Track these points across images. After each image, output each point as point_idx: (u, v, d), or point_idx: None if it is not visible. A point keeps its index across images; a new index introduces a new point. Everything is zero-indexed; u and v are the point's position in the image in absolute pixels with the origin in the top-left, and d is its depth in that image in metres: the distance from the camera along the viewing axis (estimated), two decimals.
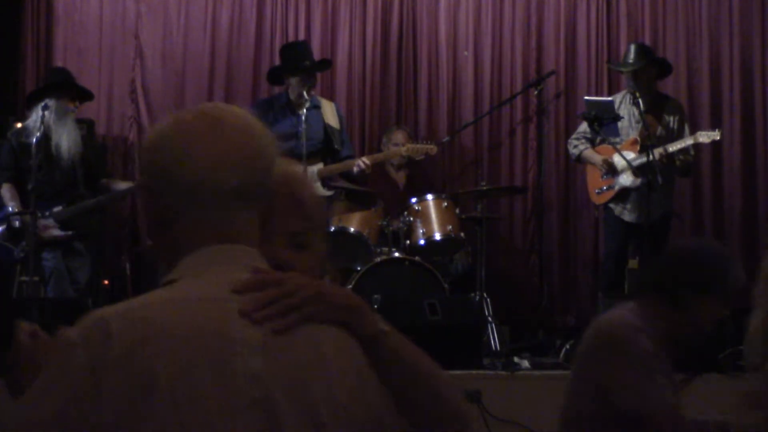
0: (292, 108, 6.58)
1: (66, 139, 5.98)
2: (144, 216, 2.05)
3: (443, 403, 1.57)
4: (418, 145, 6.87)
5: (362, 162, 6.63)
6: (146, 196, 1.57)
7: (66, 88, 6.15)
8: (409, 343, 1.57)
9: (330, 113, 6.62)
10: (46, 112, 5.93)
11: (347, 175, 6.74)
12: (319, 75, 7.44)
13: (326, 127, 6.59)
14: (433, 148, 6.83)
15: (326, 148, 6.75)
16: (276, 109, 6.63)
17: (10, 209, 5.94)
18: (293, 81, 6.57)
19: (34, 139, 5.81)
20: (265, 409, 1.42)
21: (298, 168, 1.84)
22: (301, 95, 6.48)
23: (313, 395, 1.45)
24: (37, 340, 1.74)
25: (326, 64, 7.08)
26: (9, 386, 1.70)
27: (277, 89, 7.16)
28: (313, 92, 6.59)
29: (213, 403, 1.41)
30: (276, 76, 6.84)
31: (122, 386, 1.39)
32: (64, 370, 1.41)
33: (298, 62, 6.56)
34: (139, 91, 7.60)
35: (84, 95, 6.42)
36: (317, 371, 1.46)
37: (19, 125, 6.18)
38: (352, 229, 6.30)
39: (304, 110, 6.42)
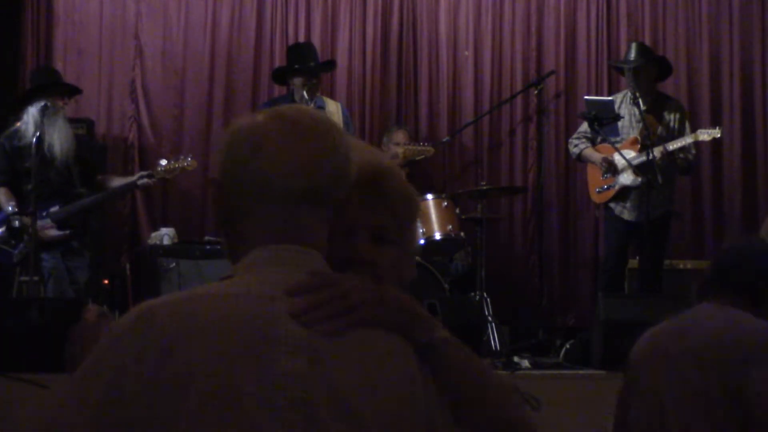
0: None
1: (57, 139, 5.97)
2: (213, 212, 2.04)
3: (503, 416, 1.53)
4: (416, 147, 6.87)
5: None
6: (216, 193, 1.58)
7: (52, 88, 6.12)
8: (470, 353, 1.53)
9: (335, 113, 6.62)
10: (36, 114, 5.93)
11: None
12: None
13: None
14: (430, 150, 6.82)
15: None
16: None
17: (10, 209, 5.93)
18: (297, 82, 6.57)
19: (32, 141, 5.80)
20: (304, 410, 1.41)
21: (385, 159, 1.79)
22: (303, 97, 6.48)
23: (357, 400, 1.42)
24: (103, 320, 1.76)
25: (331, 65, 7.08)
26: (68, 362, 1.73)
27: (278, 90, 7.16)
28: (318, 93, 6.59)
29: (251, 401, 1.40)
30: (280, 76, 6.84)
31: (162, 378, 1.39)
32: (110, 356, 1.43)
33: (303, 63, 6.56)
34: (139, 91, 7.60)
35: (72, 91, 6.41)
36: (364, 377, 1.44)
37: (11, 128, 6.16)
38: None
39: None
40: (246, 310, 1.44)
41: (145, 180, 6.11)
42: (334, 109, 6.68)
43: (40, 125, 5.88)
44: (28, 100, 6.06)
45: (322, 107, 6.56)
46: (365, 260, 1.66)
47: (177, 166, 6.16)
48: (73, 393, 1.44)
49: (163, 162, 6.21)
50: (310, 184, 1.51)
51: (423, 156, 6.86)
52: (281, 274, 1.48)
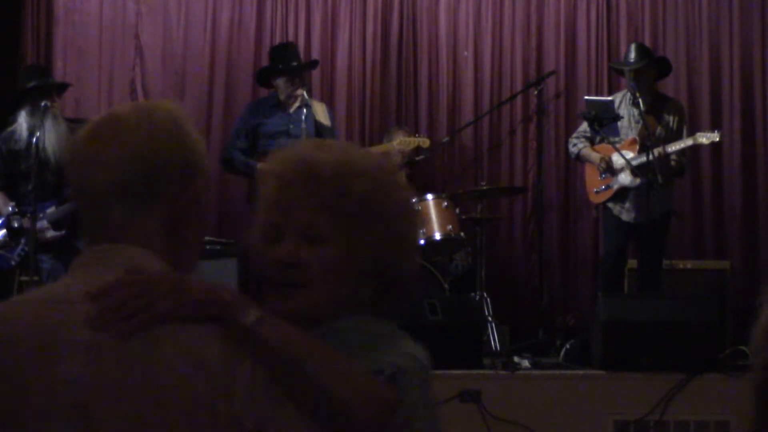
0: (283, 107, 6.58)
1: (50, 139, 5.94)
2: None
3: (321, 390, 1.44)
4: (410, 138, 6.86)
5: None
6: None
7: (42, 87, 6.08)
8: (292, 334, 1.46)
9: (321, 113, 6.61)
10: (28, 116, 5.92)
11: None
12: (318, 75, 7.45)
13: (317, 124, 6.56)
14: (425, 141, 6.82)
15: None
16: (266, 109, 6.62)
17: (10, 209, 5.93)
18: (281, 82, 6.56)
19: (28, 143, 5.80)
20: (82, 415, 1.40)
21: (325, 154, 1.68)
22: (290, 96, 6.47)
23: (139, 402, 1.39)
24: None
25: (313, 64, 7.07)
26: None
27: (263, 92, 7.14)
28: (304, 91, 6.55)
29: (29, 408, 1.40)
30: (264, 77, 6.81)
31: None
32: None
33: (286, 63, 6.55)
34: (139, 91, 7.60)
35: (61, 88, 6.40)
36: (148, 376, 1.39)
37: (7, 130, 6.14)
38: None
39: (295, 108, 6.44)
40: (40, 317, 1.44)
41: None
42: (319, 108, 6.66)
43: (32, 127, 5.88)
44: (19, 102, 6.05)
45: (308, 105, 6.53)
46: (289, 263, 1.63)
47: None
48: None
49: None
50: (115, 180, 1.48)
51: (422, 156, 6.85)
52: (95, 276, 1.46)
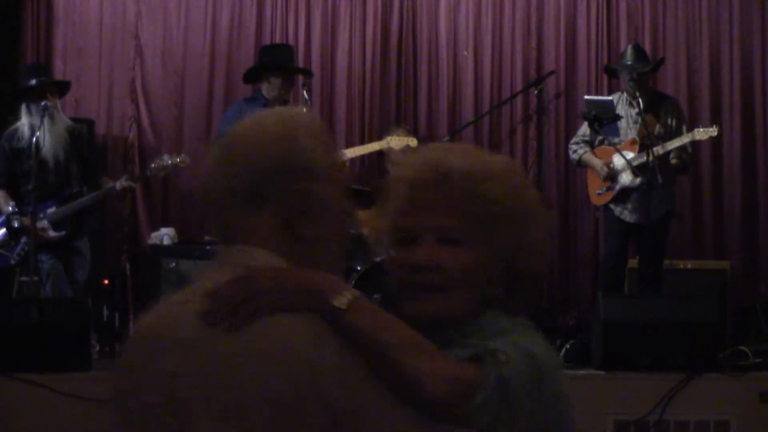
0: (272, 106, 6.54)
1: (50, 139, 5.94)
2: None
3: (410, 384, 1.48)
4: (400, 138, 6.84)
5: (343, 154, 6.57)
6: None
7: (43, 87, 6.08)
8: (381, 320, 1.51)
9: None
10: (29, 115, 5.92)
11: None
12: (318, 75, 7.44)
13: None
14: (413, 140, 6.80)
15: None
16: (256, 107, 6.58)
17: (10, 209, 5.93)
18: (275, 80, 6.45)
19: (29, 142, 5.80)
20: (180, 409, 1.49)
21: (461, 159, 1.68)
22: (278, 97, 6.38)
23: (233, 390, 1.46)
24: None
25: (308, 73, 6.98)
26: None
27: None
28: (302, 95, 6.52)
29: (137, 400, 1.53)
30: (251, 75, 6.71)
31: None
32: None
33: (284, 63, 6.50)
34: (139, 91, 7.60)
35: (63, 87, 6.40)
36: (243, 365, 1.46)
37: (10, 129, 6.14)
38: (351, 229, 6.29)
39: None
40: (164, 316, 1.57)
41: (124, 184, 6.06)
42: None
43: (33, 126, 5.87)
44: (19, 100, 6.04)
45: (309, 105, 6.49)
46: (425, 265, 1.64)
47: (170, 162, 6.09)
48: None
49: (153, 165, 6.16)
50: (227, 184, 1.56)
51: (407, 147, 6.82)
52: (219, 276, 1.55)
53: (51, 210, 5.97)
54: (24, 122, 5.98)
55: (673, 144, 6.23)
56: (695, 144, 6.47)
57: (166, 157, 6.16)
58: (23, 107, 5.98)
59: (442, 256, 1.64)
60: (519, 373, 1.55)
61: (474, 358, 1.55)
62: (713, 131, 6.26)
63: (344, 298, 1.49)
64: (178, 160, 6.12)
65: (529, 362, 1.58)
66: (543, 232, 1.76)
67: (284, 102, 6.41)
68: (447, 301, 1.65)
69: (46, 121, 5.88)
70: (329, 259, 1.62)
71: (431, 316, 1.63)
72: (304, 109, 1.68)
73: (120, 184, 6.04)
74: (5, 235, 5.95)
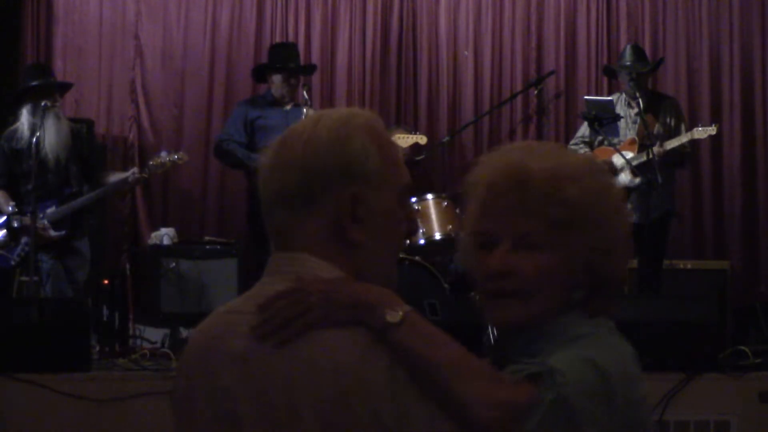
0: (279, 104, 6.58)
1: (50, 139, 5.93)
2: None
3: (452, 395, 1.46)
4: (408, 135, 6.85)
5: None
6: None
7: (44, 87, 6.07)
8: (428, 336, 1.49)
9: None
10: (30, 115, 5.92)
11: None
12: (319, 75, 7.44)
13: None
14: (422, 138, 6.81)
15: None
16: (261, 105, 6.62)
17: (10, 209, 5.92)
18: (276, 79, 6.53)
19: (29, 142, 5.79)
20: (231, 422, 1.49)
21: (538, 160, 1.66)
22: (284, 95, 6.48)
23: (282, 404, 1.45)
24: None
25: (311, 68, 7.01)
26: None
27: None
28: (302, 95, 6.54)
29: (194, 412, 1.54)
30: (261, 73, 6.78)
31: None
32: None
33: (285, 62, 6.55)
34: (139, 91, 7.60)
35: (64, 88, 6.39)
36: (292, 379, 1.45)
37: (9, 129, 6.13)
38: None
39: (292, 106, 6.47)
40: (219, 326, 1.55)
41: (137, 176, 6.07)
42: (311, 113, 6.66)
43: (34, 126, 5.87)
44: (21, 100, 6.04)
45: (298, 105, 6.53)
46: (498, 272, 1.61)
47: (168, 159, 6.09)
48: None
49: (151, 162, 6.16)
50: (277, 188, 1.54)
51: (422, 156, 6.84)
52: (270, 285, 1.53)
53: (51, 210, 5.96)
54: (24, 122, 5.98)
55: (673, 143, 6.23)
56: (695, 143, 6.48)
57: (164, 154, 6.15)
58: (25, 107, 5.98)
59: (517, 262, 1.61)
60: (578, 389, 1.53)
61: (532, 377, 1.52)
62: (712, 130, 6.27)
63: (397, 313, 1.48)
64: (176, 157, 6.11)
65: (592, 374, 1.55)
66: (624, 232, 1.76)
67: (292, 101, 6.46)
68: (524, 307, 1.62)
69: (48, 121, 5.87)
70: (381, 267, 1.59)
71: (509, 323, 1.62)
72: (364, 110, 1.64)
73: (133, 176, 6.04)
74: (5, 235, 5.95)
